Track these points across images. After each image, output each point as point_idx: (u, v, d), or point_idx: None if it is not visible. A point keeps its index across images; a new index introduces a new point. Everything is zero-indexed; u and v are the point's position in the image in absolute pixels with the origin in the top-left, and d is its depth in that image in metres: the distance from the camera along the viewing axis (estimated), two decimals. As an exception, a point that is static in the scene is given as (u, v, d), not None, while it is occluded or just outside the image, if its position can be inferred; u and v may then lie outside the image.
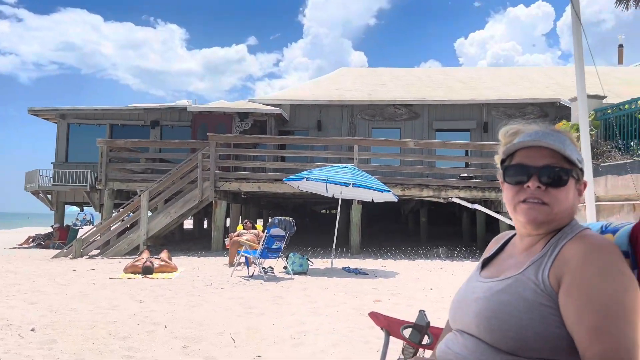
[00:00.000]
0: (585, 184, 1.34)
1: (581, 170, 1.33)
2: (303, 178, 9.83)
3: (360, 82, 21.21)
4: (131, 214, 13.62)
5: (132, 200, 13.62)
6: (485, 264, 1.48)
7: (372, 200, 10.78)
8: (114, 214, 13.81)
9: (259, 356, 3.87)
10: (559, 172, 1.28)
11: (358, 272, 9.18)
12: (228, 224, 16.48)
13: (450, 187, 13.49)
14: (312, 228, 24.34)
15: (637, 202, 8.99)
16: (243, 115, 17.46)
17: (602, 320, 1.11)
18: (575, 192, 1.32)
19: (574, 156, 1.31)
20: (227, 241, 10.70)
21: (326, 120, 18.20)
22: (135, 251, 12.61)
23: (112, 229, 13.53)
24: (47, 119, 20.90)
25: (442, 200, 13.62)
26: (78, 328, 4.64)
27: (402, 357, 1.71)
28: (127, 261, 10.12)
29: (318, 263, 10.51)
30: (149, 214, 13.44)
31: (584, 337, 1.12)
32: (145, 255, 9.73)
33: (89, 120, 20.11)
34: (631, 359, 1.08)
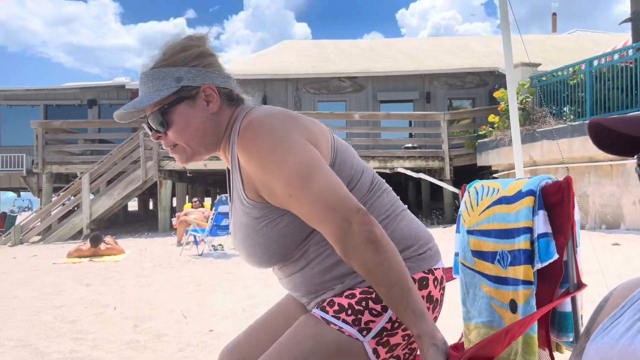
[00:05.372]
0: (212, 87, 1.22)
1: (185, 86, 1.20)
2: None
3: (304, 55, 21.08)
4: (72, 197, 13.17)
5: (73, 183, 13.16)
6: None
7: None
8: (53, 199, 13.33)
9: (211, 330, 3.90)
10: (156, 118, 1.21)
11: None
12: (175, 204, 16.22)
13: (396, 158, 13.74)
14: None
15: (571, 165, 9.47)
16: (185, 92, 17.03)
17: (300, 207, 1.11)
18: (197, 108, 1.22)
19: (166, 87, 1.19)
20: (174, 221, 10.55)
21: (271, 94, 18.05)
22: (78, 235, 12.26)
23: (52, 213, 13.07)
24: (-26, 102, 19.78)
25: (388, 171, 13.87)
26: (22, 315, 4.51)
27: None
28: (70, 246, 9.84)
29: (268, 238, 10.53)
30: (91, 196, 13.05)
31: (309, 224, 1.14)
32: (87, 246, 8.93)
33: (21, 102, 19.18)
34: (335, 203, 1.08)
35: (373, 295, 1.18)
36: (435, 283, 1.25)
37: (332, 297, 1.22)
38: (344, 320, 1.16)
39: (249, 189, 1.19)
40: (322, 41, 24.87)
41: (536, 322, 1.43)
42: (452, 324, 3.73)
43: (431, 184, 14.15)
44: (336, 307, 1.19)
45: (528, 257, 1.44)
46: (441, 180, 13.42)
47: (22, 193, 22.51)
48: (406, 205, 1.35)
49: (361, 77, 18.03)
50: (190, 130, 1.21)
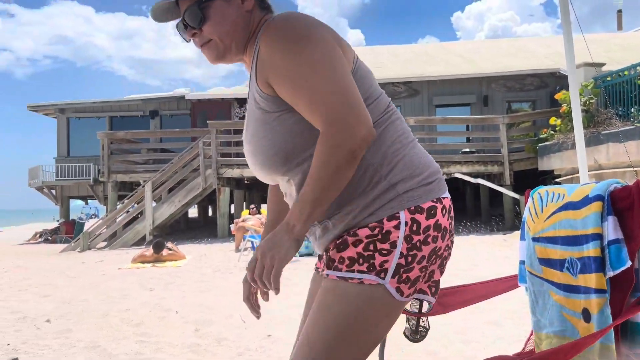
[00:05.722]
0: None
1: None
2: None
3: (357, 61, 21.09)
4: (135, 205, 13.70)
5: (136, 191, 13.69)
6: None
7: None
8: (118, 206, 13.90)
9: (269, 335, 3.95)
10: (193, 13, 1.24)
11: (364, 251, 9.24)
12: (233, 211, 16.56)
13: (453, 163, 13.51)
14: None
15: (639, 168, 9.01)
16: (241, 101, 17.44)
17: (311, 93, 1.12)
18: (232, 4, 1.26)
19: None
20: (232, 227, 10.77)
21: (325, 101, 18.13)
22: (141, 242, 12.72)
23: (117, 220, 13.63)
24: (46, 115, 20.95)
25: (445, 177, 13.63)
26: (91, 317, 4.72)
27: (407, 326, 1.76)
28: (134, 252, 10.22)
29: (324, 244, 10.58)
30: (154, 204, 13.51)
31: (310, 117, 1.15)
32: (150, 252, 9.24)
33: (88, 114, 20.14)
34: (352, 102, 1.10)
35: (379, 236, 1.18)
36: (444, 212, 1.24)
37: (339, 254, 1.21)
38: (359, 271, 1.17)
39: (262, 81, 1.20)
40: (376, 47, 24.83)
41: (612, 333, 1.37)
42: (515, 333, 3.62)
43: (490, 189, 13.81)
44: (347, 262, 1.19)
45: (599, 264, 1.38)
46: (500, 185, 13.07)
47: (89, 201, 23.60)
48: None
49: (416, 81, 17.84)
50: (225, 25, 1.25)
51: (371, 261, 1.17)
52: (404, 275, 1.18)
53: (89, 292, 6.18)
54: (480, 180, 13.18)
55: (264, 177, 1.34)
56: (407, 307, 1.78)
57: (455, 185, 17.24)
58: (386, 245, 1.17)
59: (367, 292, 1.16)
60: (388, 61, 20.83)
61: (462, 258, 8.02)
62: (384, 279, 1.16)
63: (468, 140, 15.94)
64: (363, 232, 1.19)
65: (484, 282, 1.83)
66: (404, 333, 1.72)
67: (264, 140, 1.23)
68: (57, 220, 20.79)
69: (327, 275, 1.23)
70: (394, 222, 1.18)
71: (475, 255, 8.20)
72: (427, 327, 1.73)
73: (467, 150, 14.40)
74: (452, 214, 1.28)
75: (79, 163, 19.04)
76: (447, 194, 1.28)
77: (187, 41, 1.31)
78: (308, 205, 1.11)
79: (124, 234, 13.19)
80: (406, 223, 1.18)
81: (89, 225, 16.38)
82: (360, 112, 1.10)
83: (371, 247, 1.17)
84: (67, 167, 19.07)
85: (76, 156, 19.72)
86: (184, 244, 12.25)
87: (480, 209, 16.07)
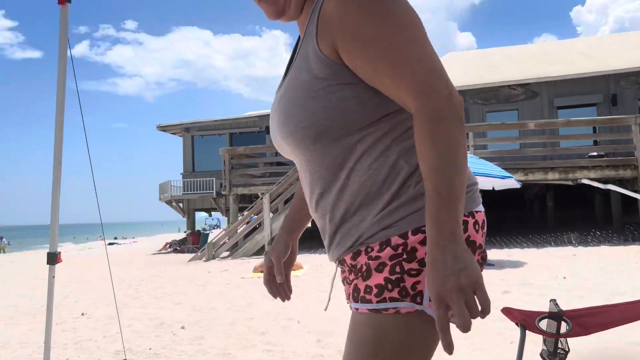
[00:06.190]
0: None
1: None
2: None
3: (470, 65, 20.50)
4: (255, 216, 14.34)
5: (255, 204, 14.33)
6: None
7: (493, 188, 10.38)
8: (239, 218, 14.64)
9: (391, 349, 3.94)
10: None
11: (483, 263, 8.91)
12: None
13: (579, 168, 12.62)
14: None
15: None
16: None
17: (396, 60, 1.01)
18: None
19: None
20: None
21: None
22: (261, 251, 13.27)
23: (239, 231, 14.35)
24: (173, 134, 22.64)
25: (570, 183, 12.78)
26: (220, 325, 5.01)
27: (544, 347, 1.67)
28: (255, 261, 10.70)
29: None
30: (271, 215, 14.06)
31: (393, 85, 1.02)
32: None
33: (210, 132, 21.47)
34: (439, 70, 1.00)
35: (404, 255, 1.05)
36: (476, 227, 1.11)
37: (365, 282, 1.09)
38: (391, 299, 1.04)
39: (325, 42, 1.08)
40: (488, 50, 24.00)
41: None
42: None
43: (623, 195, 12.69)
44: (375, 291, 1.06)
45: None
46: (635, 191, 11.97)
47: (212, 213, 25.13)
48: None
49: (534, 82, 16.96)
50: None
51: (401, 285, 1.04)
52: None
53: (217, 300, 6.57)
54: (610, 186, 12.11)
55: (284, 150, 1.24)
56: (544, 327, 1.69)
57: (582, 191, 16.06)
58: (414, 265, 1.04)
59: (406, 322, 1.04)
60: (502, 63, 20.03)
61: (594, 270, 7.45)
62: (421, 303, 1.03)
63: (595, 143, 14.81)
64: (385, 253, 1.06)
65: (631, 302, 1.69)
66: (541, 355, 1.64)
67: (301, 107, 1.11)
68: (184, 232, 22.32)
69: (357, 309, 1.10)
70: (419, 237, 1.05)
71: (608, 268, 7.58)
72: (567, 349, 1.64)
73: (595, 154, 13.38)
74: (484, 229, 1.15)
75: (203, 178, 20.34)
76: (480, 208, 1.16)
77: None
78: (453, 197, 0.95)
79: (244, 244, 13.86)
80: None
81: (212, 235, 17.42)
82: (451, 85, 1.01)
83: (398, 269, 1.04)
84: (192, 181, 20.46)
85: (200, 171, 21.10)
86: (300, 253, 12.60)
87: (611, 217, 14.83)
